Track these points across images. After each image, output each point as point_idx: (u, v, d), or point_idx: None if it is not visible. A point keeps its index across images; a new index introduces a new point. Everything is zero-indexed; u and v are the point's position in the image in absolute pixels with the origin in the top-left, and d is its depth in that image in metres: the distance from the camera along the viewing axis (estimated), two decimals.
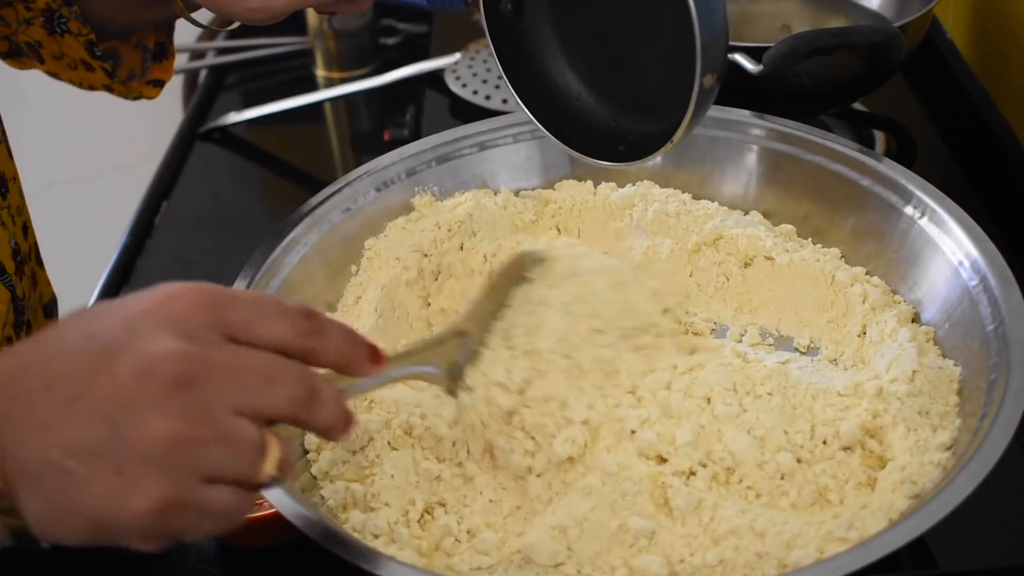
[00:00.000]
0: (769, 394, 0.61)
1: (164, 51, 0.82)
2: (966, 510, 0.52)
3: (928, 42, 1.07)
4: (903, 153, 1.01)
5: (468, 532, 0.59)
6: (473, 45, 1.17)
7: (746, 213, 0.79)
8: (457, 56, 1.15)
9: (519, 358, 0.61)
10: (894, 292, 0.72)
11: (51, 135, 1.90)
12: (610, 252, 0.77)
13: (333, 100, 1.17)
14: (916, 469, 0.58)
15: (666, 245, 0.75)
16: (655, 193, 0.79)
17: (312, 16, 1.17)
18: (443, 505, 0.61)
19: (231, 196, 1.12)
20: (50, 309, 0.79)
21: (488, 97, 1.10)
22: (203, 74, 1.27)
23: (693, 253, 0.75)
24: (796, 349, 0.71)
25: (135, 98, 0.83)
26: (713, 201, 0.79)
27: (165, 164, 1.09)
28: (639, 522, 0.56)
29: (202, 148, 1.13)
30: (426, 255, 0.75)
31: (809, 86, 0.91)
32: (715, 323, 0.73)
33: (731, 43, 0.84)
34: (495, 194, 0.80)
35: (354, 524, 0.59)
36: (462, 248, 0.75)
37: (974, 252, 0.66)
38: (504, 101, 1.09)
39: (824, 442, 0.60)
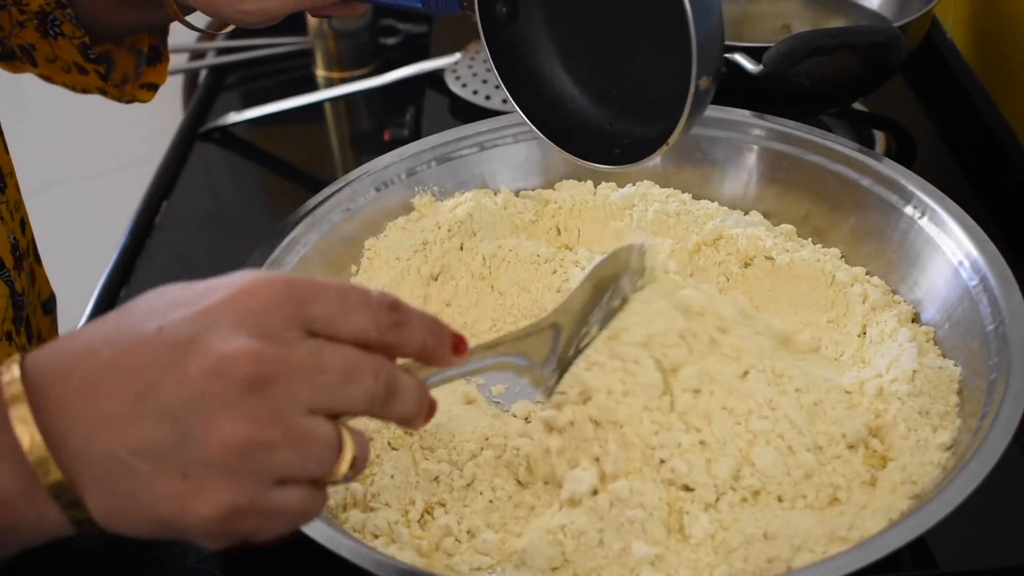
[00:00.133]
0: (796, 390, 0.61)
1: (158, 55, 0.82)
2: (966, 510, 0.52)
3: (928, 42, 1.07)
4: (903, 153, 1.01)
5: (468, 532, 0.59)
6: (473, 45, 1.17)
7: (746, 213, 0.79)
8: (457, 56, 1.15)
9: (618, 370, 0.59)
10: (894, 292, 0.72)
11: (51, 135, 1.90)
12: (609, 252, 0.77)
13: (333, 100, 1.17)
14: (916, 469, 0.58)
15: (666, 245, 0.75)
16: (655, 193, 0.80)
17: (312, 16, 1.17)
18: (443, 505, 0.61)
19: (231, 196, 1.12)
20: (49, 306, 0.79)
21: (488, 97, 1.10)
22: (203, 74, 1.27)
23: (693, 253, 0.75)
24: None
25: (129, 101, 0.83)
26: (713, 201, 0.80)
27: (165, 164, 1.09)
28: (643, 548, 0.55)
29: (202, 148, 1.13)
30: (426, 255, 0.75)
31: (809, 86, 0.91)
32: None
33: (731, 43, 0.84)
34: (495, 194, 0.80)
35: (354, 524, 0.59)
36: (462, 248, 0.75)
37: (974, 252, 0.66)
38: (504, 101, 1.09)
39: (835, 441, 0.60)
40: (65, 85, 0.80)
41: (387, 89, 1.14)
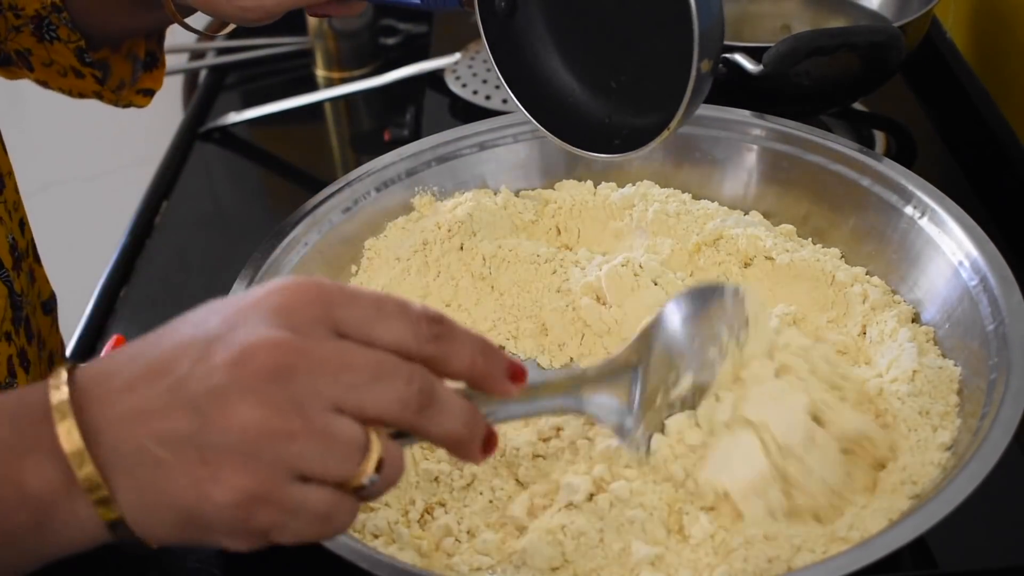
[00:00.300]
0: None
1: (155, 60, 0.82)
2: (966, 510, 0.52)
3: (928, 42, 1.07)
4: (903, 153, 1.01)
5: (468, 532, 0.59)
6: (473, 45, 1.17)
7: (746, 213, 0.79)
8: (457, 56, 1.15)
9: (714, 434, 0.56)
10: (894, 292, 0.72)
11: (51, 135, 1.90)
12: (610, 253, 0.77)
13: (333, 100, 1.17)
14: (916, 469, 0.58)
15: (666, 245, 0.75)
16: (655, 193, 0.80)
17: (311, 16, 1.17)
18: (443, 505, 0.60)
19: (231, 196, 1.12)
20: (49, 306, 0.79)
21: (488, 97, 1.10)
22: (203, 74, 1.27)
23: (693, 253, 0.75)
24: None
25: (125, 106, 0.83)
26: (713, 201, 0.80)
27: (165, 164, 1.09)
28: (643, 548, 0.56)
29: (202, 148, 1.13)
30: (426, 255, 0.75)
31: (809, 86, 0.91)
32: None
33: (731, 43, 0.84)
34: (495, 194, 0.80)
35: (354, 524, 0.59)
36: (462, 248, 0.75)
37: (974, 252, 0.66)
38: (504, 101, 1.09)
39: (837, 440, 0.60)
40: (62, 90, 0.80)
41: (387, 89, 1.14)
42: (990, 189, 0.93)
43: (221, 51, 1.27)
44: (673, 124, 0.63)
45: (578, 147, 0.71)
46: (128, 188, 1.18)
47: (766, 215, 0.79)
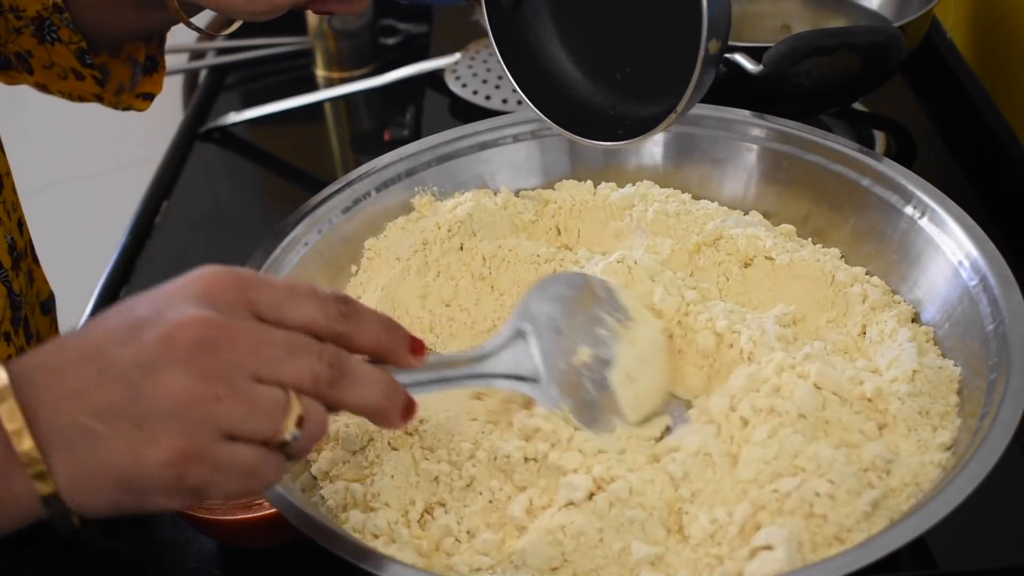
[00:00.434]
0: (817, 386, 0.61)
1: (155, 64, 0.82)
2: (966, 510, 0.52)
3: (928, 42, 1.07)
4: (903, 153, 1.01)
5: (468, 532, 0.59)
6: (473, 45, 1.17)
7: (746, 213, 0.79)
8: (457, 56, 1.15)
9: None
10: (894, 292, 0.72)
11: (51, 135, 1.90)
12: (610, 253, 0.77)
13: (333, 100, 1.17)
14: (916, 469, 0.58)
15: (666, 245, 0.75)
16: (655, 193, 0.79)
17: (312, 16, 1.18)
18: (443, 505, 0.60)
19: (231, 196, 1.12)
20: (48, 306, 0.79)
21: (488, 97, 1.10)
22: (203, 74, 1.27)
23: (693, 253, 0.75)
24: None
25: (124, 109, 0.83)
26: (713, 201, 0.79)
27: (165, 164, 1.09)
28: (643, 548, 0.56)
29: (202, 148, 1.13)
30: (426, 255, 0.75)
31: (809, 86, 0.91)
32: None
33: (731, 43, 0.84)
34: (495, 194, 0.80)
35: (354, 524, 0.59)
36: (462, 248, 0.75)
37: (974, 252, 0.66)
38: (504, 101, 1.09)
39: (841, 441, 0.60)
40: (61, 93, 0.80)
41: (387, 89, 1.14)
42: (990, 189, 0.93)
43: (221, 51, 1.27)
44: (680, 106, 0.63)
45: (583, 136, 0.71)
46: (128, 188, 1.18)
47: (766, 215, 0.79)
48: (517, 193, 0.81)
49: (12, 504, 0.45)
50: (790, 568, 0.53)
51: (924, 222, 0.70)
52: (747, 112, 0.80)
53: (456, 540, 0.59)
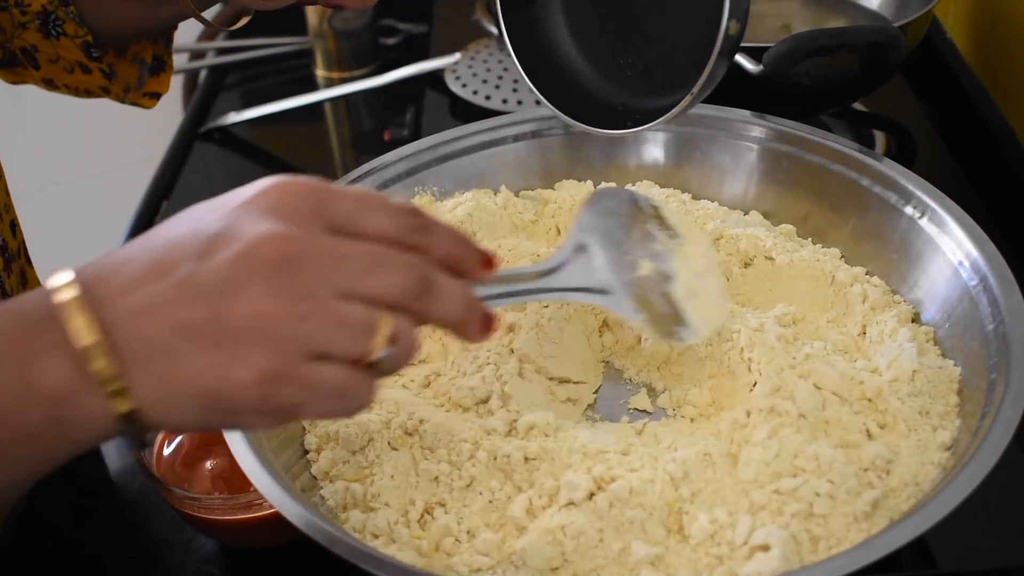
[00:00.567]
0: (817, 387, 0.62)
1: (162, 64, 0.82)
2: (966, 510, 0.52)
3: (928, 42, 1.07)
4: (903, 153, 1.01)
5: (468, 532, 0.59)
6: (473, 45, 1.17)
7: (746, 213, 0.79)
8: (457, 56, 1.15)
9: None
10: (894, 292, 0.72)
11: (51, 135, 1.90)
12: None
13: (333, 100, 1.17)
14: (916, 469, 0.58)
15: None
16: (655, 193, 0.80)
17: (312, 16, 1.18)
18: (443, 505, 0.60)
19: None
20: None
21: (488, 97, 1.10)
22: (203, 74, 1.27)
23: None
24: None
25: (131, 104, 0.83)
26: (713, 201, 0.80)
27: (165, 164, 1.09)
28: (643, 548, 0.56)
29: (202, 148, 1.13)
30: None
31: (809, 86, 0.91)
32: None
33: (715, 85, 0.84)
34: (495, 194, 0.80)
35: (354, 524, 0.59)
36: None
37: (974, 252, 0.66)
38: (504, 101, 1.09)
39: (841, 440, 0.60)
40: (68, 88, 0.80)
41: (387, 89, 1.14)
42: (990, 189, 0.93)
43: (221, 51, 1.27)
44: (697, 87, 0.62)
45: (595, 126, 0.71)
46: (128, 188, 1.18)
47: (766, 215, 0.79)
48: (517, 193, 0.81)
49: (90, 424, 0.44)
50: (787, 568, 0.53)
51: (924, 222, 0.70)
52: (747, 112, 0.80)
53: (456, 540, 0.59)
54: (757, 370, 0.64)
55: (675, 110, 0.65)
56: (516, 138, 0.82)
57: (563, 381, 0.68)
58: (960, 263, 0.67)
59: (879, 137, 1.02)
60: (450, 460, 0.62)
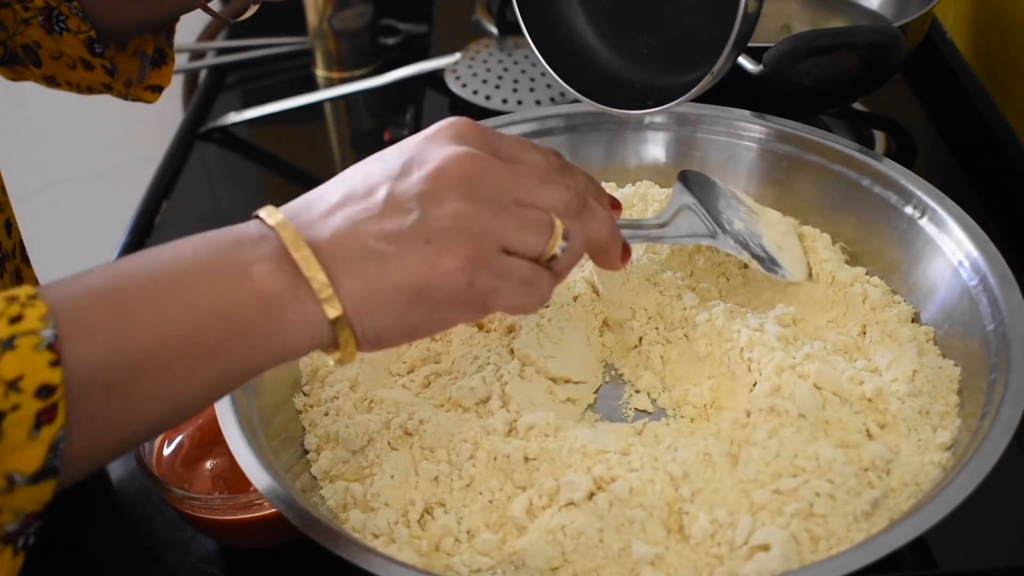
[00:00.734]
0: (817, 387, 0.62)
1: (163, 57, 0.82)
2: (966, 510, 0.52)
3: (928, 42, 1.07)
4: (903, 153, 1.01)
5: (468, 532, 0.59)
6: (473, 45, 1.17)
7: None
8: (457, 56, 1.15)
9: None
10: (894, 292, 0.72)
11: (51, 135, 1.90)
12: None
13: (333, 100, 1.17)
14: (916, 469, 0.58)
15: (666, 245, 0.75)
16: (655, 193, 0.80)
17: (312, 16, 1.18)
18: (443, 505, 0.60)
19: (231, 196, 1.12)
20: None
21: (488, 97, 1.10)
22: (203, 74, 1.27)
23: (693, 253, 0.75)
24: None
25: (133, 100, 0.83)
26: None
27: (165, 164, 1.09)
28: (643, 548, 0.56)
29: (202, 148, 1.13)
30: None
31: (809, 86, 0.91)
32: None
33: (735, 61, 0.84)
34: None
35: (354, 524, 0.59)
36: None
37: (974, 252, 0.66)
38: (504, 101, 1.09)
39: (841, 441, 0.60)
40: (70, 85, 0.80)
41: (387, 89, 1.14)
42: (990, 189, 0.93)
43: (221, 51, 1.27)
44: (717, 66, 0.62)
45: (612, 106, 0.71)
46: (128, 188, 1.18)
47: None
48: None
49: (297, 327, 0.48)
50: (786, 568, 0.53)
51: (924, 222, 0.70)
52: (747, 112, 0.80)
53: (456, 540, 0.59)
54: (757, 370, 0.64)
55: (694, 90, 0.64)
56: None
57: (563, 381, 0.68)
58: (960, 263, 0.67)
59: (879, 137, 1.02)
60: (450, 460, 0.62)
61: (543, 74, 1.11)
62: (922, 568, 0.64)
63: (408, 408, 0.64)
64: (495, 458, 0.61)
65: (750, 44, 0.86)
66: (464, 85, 1.12)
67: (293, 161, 1.13)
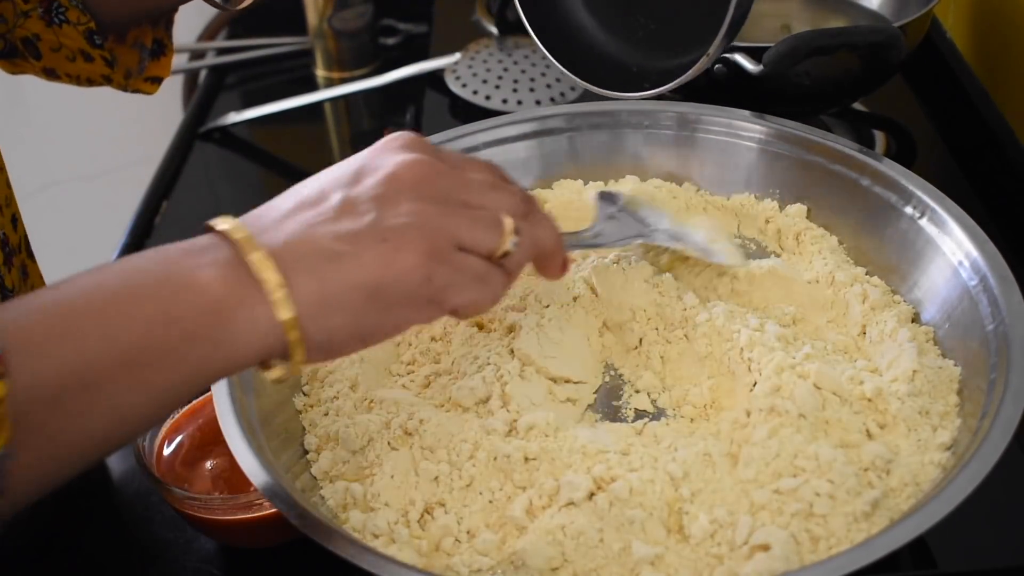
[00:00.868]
0: (817, 386, 0.62)
1: (162, 48, 0.82)
2: (966, 510, 0.52)
3: (928, 42, 1.07)
4: (903, 153, 1.01)
5: (468, 533, 0.59)
6: (473, 45, 1.17)
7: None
8: (457, 56, 1.15)
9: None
10: (894, 292, 0.72)
11: (51, 135, 1.90)
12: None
13: (333, 100, 1.17)
14: (916, 469, 0.58)
15: None
16: (648, 190, 0.79)
17: (312, 16, 1.18)
18: (443, 505, 0.60)
19: (231, 196, 1.12)
20: None
21: (488, 97, 1.10)
22: (203, 74, 1.27)
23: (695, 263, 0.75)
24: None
25: (133, 91, 0.83)
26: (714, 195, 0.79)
27: (165, 164, 1.09)
28: (643, 548, 0.56)
29: (202, 148, 1.13)
30: None
31: (809, 86, 0.91)
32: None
33: (731, 43, 0.84)
34: None
35: (354, 524, 0.59)
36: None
37: (974, 252, 0.66)
38: (504, 101, 1.09)
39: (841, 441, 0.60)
40: (70, 77, 0.80)
41: (387, 89, 1.14)
42: (990, 189, 0.93)
43: (221, 51, 1.27)
44: (713, 48, 0.62)
45: (611, 89, 0.70)
46: (128, 188, 1.18)
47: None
48: None
49: (249, 330, 0.47)
50: (786, 568, 0.53)
51: (924, 222, 0.70)
52: (747, 112, 0.80)
53: (456, 540, 0.59)
54: (757, 370, 0.64)
55: (690, 71, 0.64)
56: (516, 138, 0.82)
57: (563, 381, 0.68)
58: (960, 263, 0.67)
59: (879, 137, 1.02)
60: (450, 460, 0.61)
61: (543, 74, 1.11)
62: (922, 568, 0.64)
63: (408, 408, 0.64)
64: (495, 458, 0.61)
65: (750, 44, 0.87)
66: (464, 85, 1.12)
67: (293, 161, 1.13)
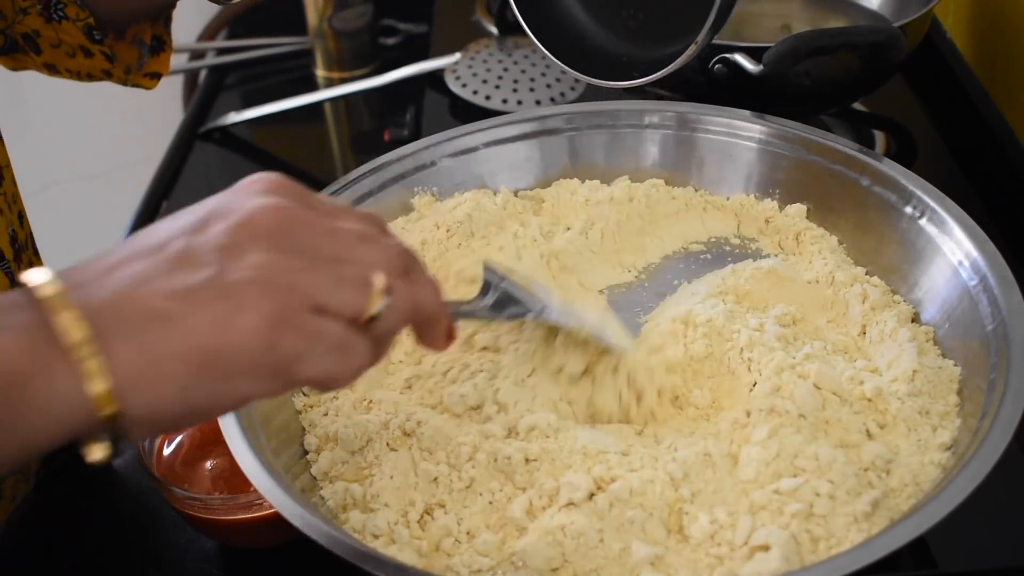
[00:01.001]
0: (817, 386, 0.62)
1: (161, 44, 0.82)
2: (966, 510, 0.52)
3: (928, 42, 1.07)
4: (903, 153, 1.01)
5: (468, 533, 0.59)
6: (473, 45, 1.17)
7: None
8: (457, 56, 1.15)
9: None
10: (894, 292, 0.72)
11: (51, 135, 1.90)
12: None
13: (333, 100, 1.17)
14: (916, 469, 0.58)
15: None
16: (659, 195, 0.79)
17: (312, 16, 1.18)
18: (442, 506, 0.60)
19: None
20: None
21: (488, 97, 1.10)
22: (203, 74, 1.27)
23: None
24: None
25: (133, 85, 0.83)
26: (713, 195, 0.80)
27: (165, 164, 1.09)
28: (643, 548, 0.56)
29: (202, 148, 1.13)
30: (425, 255, 0.75)
31: (809, 86, 0.91)
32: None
33: (731, 43, 0.84)
34: (495, 194, 0.80)
35: (354, 525, 0.59)
36: (461, 248, 0.75)
37: (974, 252, 0.66)
38: (504, 101, 1.09)
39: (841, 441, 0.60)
40: (70, 72, 0.80)
41: (387, 89, 1.14)
42: (990, 189, 0.93)
43: (221, 51, 1.27)
44: (700, 37, 0.62)
45: (601, 78, 0.70)
46: (128, 188, 1.18)
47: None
48: (516, 193, 0.81)
49: (48, 409, 0.40)
50: (786, 568, 0.53)
51: (924, 222, 0.70)
52: (747, 112, 0.80)
53: (456, 541, 0.59)
54: (757, 370, 0.64)
55: (679, 60, 0.64)
56: (516, 138, 0.82)
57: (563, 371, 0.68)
58: (960, 263, 0.67)
59: (879, 137, 1.02)
60: (449, 462, 0.61)
61: (543, 74, 1.11)
62: (922, 568, 0.64)
63: (407, 409, 0.64)
64: (495, 459, 0.61)
65: (750, 44, 0.87)
66: (464, 85, 1.12)
67: (293, 161, 1.13)
